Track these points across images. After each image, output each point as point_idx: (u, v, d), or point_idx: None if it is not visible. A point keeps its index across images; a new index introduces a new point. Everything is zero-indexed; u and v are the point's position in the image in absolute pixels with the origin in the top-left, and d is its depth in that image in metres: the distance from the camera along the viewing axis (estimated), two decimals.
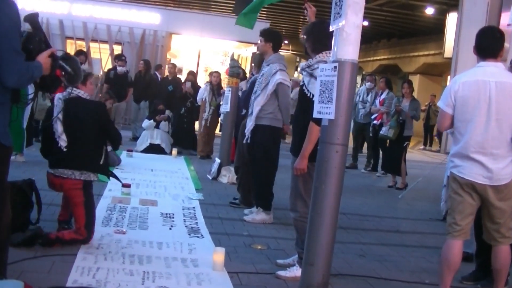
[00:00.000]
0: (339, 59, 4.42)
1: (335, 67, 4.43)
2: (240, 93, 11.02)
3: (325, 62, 5.50)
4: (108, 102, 11.66)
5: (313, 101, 5.50)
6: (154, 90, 15.96)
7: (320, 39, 5.56)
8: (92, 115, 6.08)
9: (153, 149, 13.78)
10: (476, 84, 4.96)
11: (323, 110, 4.52)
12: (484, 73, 5.00)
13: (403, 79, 36.20)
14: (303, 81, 5.79)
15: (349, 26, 4.38)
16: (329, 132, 4.50)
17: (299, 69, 7.52)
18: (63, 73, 4.74)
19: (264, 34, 8.29)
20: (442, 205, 8.36)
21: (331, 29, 4.57)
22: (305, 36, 5.90)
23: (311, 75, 5.63)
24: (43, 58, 4.20)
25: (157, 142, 13.89)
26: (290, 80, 9.35)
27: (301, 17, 33.83)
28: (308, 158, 5.58)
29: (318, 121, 5.37)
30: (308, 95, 5.63)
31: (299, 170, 5.60)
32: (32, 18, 4.36)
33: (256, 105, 7.97)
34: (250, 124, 8.02)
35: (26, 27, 4.29)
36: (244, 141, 8.20)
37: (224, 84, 15.23)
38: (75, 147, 5.99)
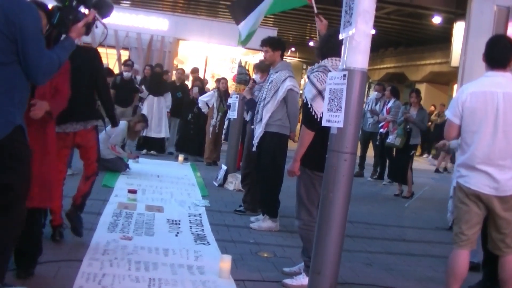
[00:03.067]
0: (348, 67, 4.40)
1: (344, 75, 4.41)
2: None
3: (325, 67, 5.53)
4: (138, 125, 11.58)
5: (305, 104, 5.56)
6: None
7: (332, 47, 5.55)
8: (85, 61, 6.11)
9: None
10: (484, 95, 4.94)
11: (332, 118, 4.50)
12: (491, 84, 4.99)
13: (410, 88, 36.44)
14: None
15: (359, 35, 4.36)
16: (337, 140, 4.47)
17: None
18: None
19: (271, 43, 8.23)
20: (449, 216, 8.34)
21: (340, 37, 4.56)
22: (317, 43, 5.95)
23: (308, 78, 5.66)
24: (78, 30, 4.43)
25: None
26: None
27: (308, 24, 33.82)
28: (309, 166, 5.59)
29: (310, 126, 5.41)
30: (304, 98, 5.67)
31: (290, 172, 5.71)
32: None
33: (266, 112, 7.92)
34: (259, 131, 7.99)
35: None
36: (254, 149, 8.15)
37: (231, 90, 15.25)
38: (77, 98, 5.77)
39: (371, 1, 4.39)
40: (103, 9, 4.87)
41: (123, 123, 11.36)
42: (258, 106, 8.11)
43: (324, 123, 4.61)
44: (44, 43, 4.12)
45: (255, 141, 8.01)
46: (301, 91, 16.42)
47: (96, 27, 4.88)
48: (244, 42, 9.55)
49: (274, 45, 8.21)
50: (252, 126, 8.73)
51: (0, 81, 3.94)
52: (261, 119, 7.94)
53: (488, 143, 4.89)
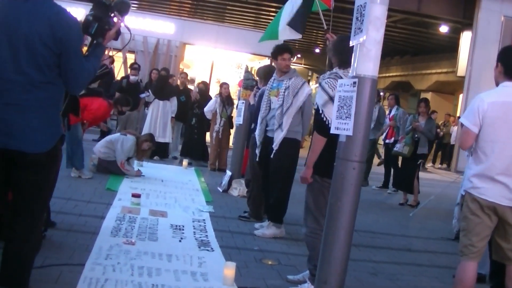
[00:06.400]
0: (358, 74, 4.33)
1: (354, 82, 4.34)
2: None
3: (336, 74, 5.48)
4: (145, 144, 11.53)
5: (317, 111, 5.49)
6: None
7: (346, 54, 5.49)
8: None
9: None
10: (504, 105, 4.87)
11: (341, 126, 4.43)
12: (510, 94, 4.92)
13: (415, 96, 36.40)
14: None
15: (369, 42, 4.29)
16: (346, 148, 4.40)
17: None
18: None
19: (292, 51, 8.31)
20: (454, 223, 8.28)
21: (351, 44, 4.49)
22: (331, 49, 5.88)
23: (320, 85, 5.60)
24: (109, 37, 4.49)
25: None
26: None
27: (314, 31, 33.84)
28: (319, 173, 5.53)
29: (321, 132, 5.33)
30: (315, 105, 5.61)
31: (303, 179, 5.63)
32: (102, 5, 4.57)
33: (288, 117, 7.78)
34: (280, 136, 7.80)
35: None
36: (272, 156, 8.02)
37: (234, 95, 15.20)
38: None
39: (383, 8, 4.33)
40: (125, 11, 4.88)
41: (131, 139, 11.33)
42: (272, 112, 7.99)
43: (332, 131, 4.54)
44: (83, 56, 4.20)
45: (275, 146, 7.87)
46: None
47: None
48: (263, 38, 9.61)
49: (292, 52, 8.32)
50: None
51: (50, 95, 4.05)
52: (279, 125, 7.83)
53: (508, 154, 4.82)
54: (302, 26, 9.22)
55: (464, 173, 6.38)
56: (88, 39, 4.47)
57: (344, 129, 4.40)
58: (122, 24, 4.78)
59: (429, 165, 24.45)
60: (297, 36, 9.43)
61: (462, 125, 5.15)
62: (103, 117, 11.04)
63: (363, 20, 4.34)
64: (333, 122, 4.54)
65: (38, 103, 3.98)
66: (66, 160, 10.14)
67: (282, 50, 8.14)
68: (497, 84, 5.11)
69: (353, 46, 4.45)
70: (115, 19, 4.66)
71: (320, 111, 5.46)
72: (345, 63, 5.34)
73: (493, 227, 4.98)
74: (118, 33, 4.65)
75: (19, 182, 4.04)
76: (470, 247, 4.98)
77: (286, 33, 9.38)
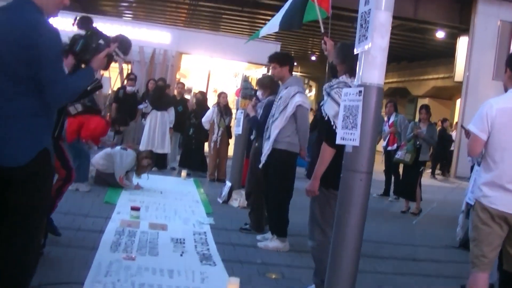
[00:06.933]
0: (364, 83, 4.21)
1: (360, 91, 4.21)
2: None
3: (345, 83, 5.34)
4: (145, 160, 11.38)
5: (327, 122, 5.34)
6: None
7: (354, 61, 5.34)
8: None
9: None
10: None
11: (347, 136, 4.31)
12: None
13: (413, 102, 36.33)
14: (322, 102, 5.60)
15: (375, 49, 4.17)
16: (353, 159, 4.28)
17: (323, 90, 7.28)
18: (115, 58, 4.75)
19: (278, 59, 8.09)
20: (458, 231, 8.17)
21: (355, 51, 4.36)
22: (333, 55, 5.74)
23: (328, 94, 5.45)
24: (99, 61, 4.37)
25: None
26: None
27: (310, 39, 33.80)
28: (325, 184, 5.39)
29: (331, 143, 5.18)
30: (323, 115, 5.45)
31: (310, 192, 5.47)
32: (88, 25, 4.54)
33: (275, 128, 7.71)
34: (267, 148, 7.78)
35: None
36: (260, 166, 7.95)
37: (232, 104, 15.08)
38: None
39: (387, 15, 4.21)
40: (122, 44, 4.77)
41: (131, 154, 11.20)
42: (268, 122, 7.89)
43: (338, 141, 4.41)
44: (63, 69, 4.06)
45: (263, 158, 7.80)
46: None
47: (116, 61, 4.79)
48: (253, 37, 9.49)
49: (281, 60, 8.05)
50: (257, 144, 8.54)
51: (25, 106, 3.91)
52: (269, 136, 7.73)
53: None
54: (298, 22, 9.03)
55: (470, 181, 6.26)
56: None
57: (351, 139, 4.28)
58: (117, 56, 4.71)
59: (428, 171, 24.31)
60: (275, 29, 9.23)
61: (469, 131, 5.03)
62: (101, 135, 10.96)
63: (367, 27, 4.22)
64: (339, 132, 4.42)
65: (12, 115, 3.86)
66: None
67: (269, 60, 8.13)
68: (506, 90, 4.99)
69: (357, 54, 4.33)
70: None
71: (332, 122, 5.31)
72: (354, 70, 5.22)
73: (504, 236, 4.86)
74: (108, 62, 4.56)
75: (2, 203, 3.91)
76: (481, 258, 4.85)
77: (265, 29, 9.18)
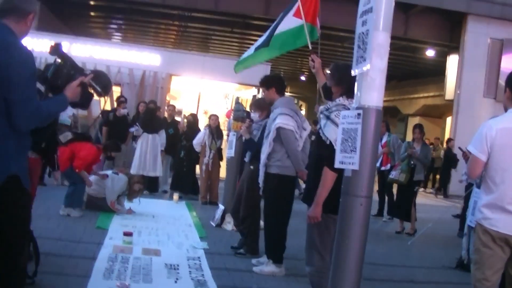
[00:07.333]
0: (363, 105, 4.11)
1: (358, 114, 4.12)
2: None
3: (344, 105, 5.25)
4: (136, 185, 11.26)
5: (328, 145, 5.23)
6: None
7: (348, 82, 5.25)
8: None
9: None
10: None
11: (346, 160, 4.20)
12: None
13: (403, 121, 36.35)
14: (320, 125, 5.49)
15: (373, 71, 4.08)
16: (352, 183, 4.17)
17: (318, 112, 7.11)
18: (92, 91, 4.67)
19: (263, 82, 8.08)
20: (464, 254, 8.08)
21: (353, 73, 4.27)
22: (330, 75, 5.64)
23: (328, 118, 5.35)
24: (72, 89, 4.29)
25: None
26: None
27: (299, 59, 33.86)
28: (324, 209, 5.28)
29: (334, 167, 5.06)
30: (323, 138, 5.34)
31: (312, 218, 5.30)
32: (57, 51, 4.43)
33: (262, 153, 7.68)
34: (260, 173, 7.70)
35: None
36: (261, 192, 7.85)
37: (223, 126, 14.97)
38: None
39: (386, 35, 4.12)
40: (101, 79, 4.68)
41: (123, 178, 11.08)
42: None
43: (337, 165, 4.31)
44: (34, 91, 4.01)
45: (260, 184, 7.71)
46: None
47: (93, 96, 4.72)
48: (236, 67, 9.34)
49: (266, 83, 8.03)
50: (251, 167, 8.44)
51: None
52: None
53: None
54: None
55: (470, 203, 6.17)
56: None
57: (350, 163, 4.17)
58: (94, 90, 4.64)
59: (421, 190, 24.23)
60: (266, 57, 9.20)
61: (469, 153, 4.95)
62: (94, 162, 10.90)
63: (366, 48, 4.13)
64: (337, 156, 4.31)
65: None
66: (64, 198, 10.19)
67: (259, 85, 8.11)
68: (506, 110, 4.91)
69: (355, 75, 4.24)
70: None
71: (334, 146, 5.19)
72: (351, 91, 5.12)
73: (506, 258, 4.77)
74: (87, 100, 4.54)
75: None
76: (483, 282, 4.75)
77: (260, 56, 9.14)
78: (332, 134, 5.22)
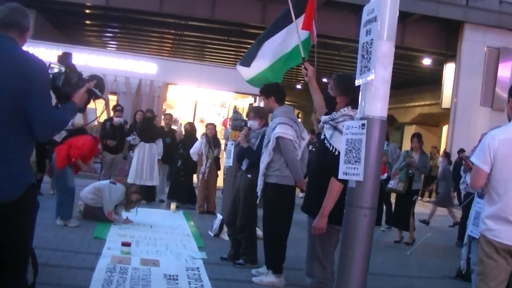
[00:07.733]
0: (367, 116, 4.07)
1: (363, 124, 4.08)
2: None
3: (351, 116, 5.19)
4: (134, 195, 11.20)
5: (336, 156, 5.14)
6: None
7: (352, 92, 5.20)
8: None
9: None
10: None
11: (350, 171, 4.16)
12: None
13: (399, 130, 36.33)
14: (324, 135, 5.44)
15: (378, 81, 4.05)
16: (356, 194, 4.13)
17: (320, 122, 7.03)
18: (94, 96, 4.70)
19: (262, 92, 8.07)
20: (463, 264, 8.02)
21: (357, 83, 4.23)
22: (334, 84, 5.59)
23: (335, 128, 5.31)
24: (80, 96, 4.34)
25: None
26: None
27: (295, 67, 33.78)
28: (327, 219, 5.22)
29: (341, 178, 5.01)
30: (331, 149, 5.29)
31: (317, 229, 5.23)
32: (66, 60, 4.51)
33: (261, 162, 7.64)
34: (259, 183, 7.66)
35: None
36: (258, 202, 7.82)
37: (220, 135, 14.92)
38: None
39: (390, 45, 4.10)
40: (99, 83, 4.70)
41: (121, 188, 11.02)
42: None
43: (341, 176, 4.27)
44: (51, 101, 4.08)
45: (258, 193, 7.66)
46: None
47: (94, 99, 4.73)
48: (252, 81, 9.19)
49: (265, 92, 8.03)
50: (249, 175, 8.38)
51: (11, 140, 3.88)
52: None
53: None
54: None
55: (471, 213, 6.13)
56: None
57: (354, 174, 4.13)
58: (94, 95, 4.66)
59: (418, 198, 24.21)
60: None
61: (472, 163, 4.91)
62: (91, 153, 10.76)
63: (370, 58, 4.09)
64: (341, 167, 4.27)
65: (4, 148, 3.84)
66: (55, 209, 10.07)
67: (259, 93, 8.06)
68: (509, 120, 4.88)
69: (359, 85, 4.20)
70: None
71: None
72: (357, 101, 5.08)
73: (510, 270, 4.73)
74: (89, 97, 4.56)
75: None
76: None
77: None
78: (340, 144, 5.16)
